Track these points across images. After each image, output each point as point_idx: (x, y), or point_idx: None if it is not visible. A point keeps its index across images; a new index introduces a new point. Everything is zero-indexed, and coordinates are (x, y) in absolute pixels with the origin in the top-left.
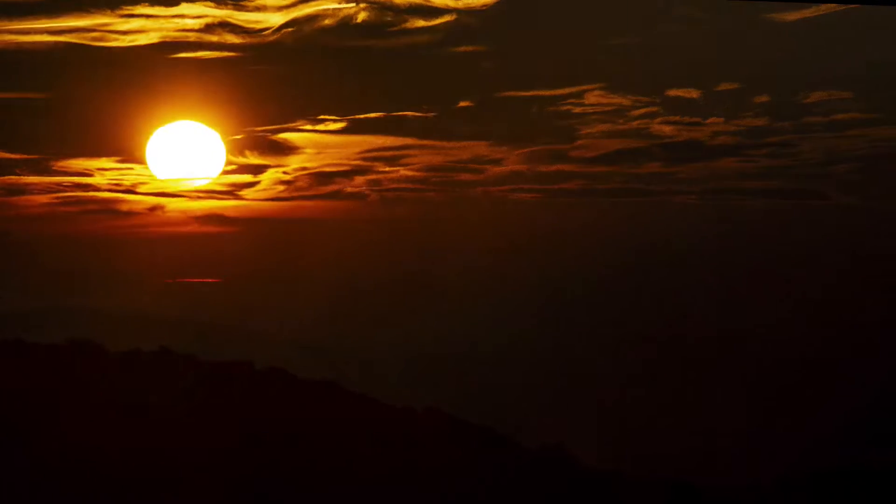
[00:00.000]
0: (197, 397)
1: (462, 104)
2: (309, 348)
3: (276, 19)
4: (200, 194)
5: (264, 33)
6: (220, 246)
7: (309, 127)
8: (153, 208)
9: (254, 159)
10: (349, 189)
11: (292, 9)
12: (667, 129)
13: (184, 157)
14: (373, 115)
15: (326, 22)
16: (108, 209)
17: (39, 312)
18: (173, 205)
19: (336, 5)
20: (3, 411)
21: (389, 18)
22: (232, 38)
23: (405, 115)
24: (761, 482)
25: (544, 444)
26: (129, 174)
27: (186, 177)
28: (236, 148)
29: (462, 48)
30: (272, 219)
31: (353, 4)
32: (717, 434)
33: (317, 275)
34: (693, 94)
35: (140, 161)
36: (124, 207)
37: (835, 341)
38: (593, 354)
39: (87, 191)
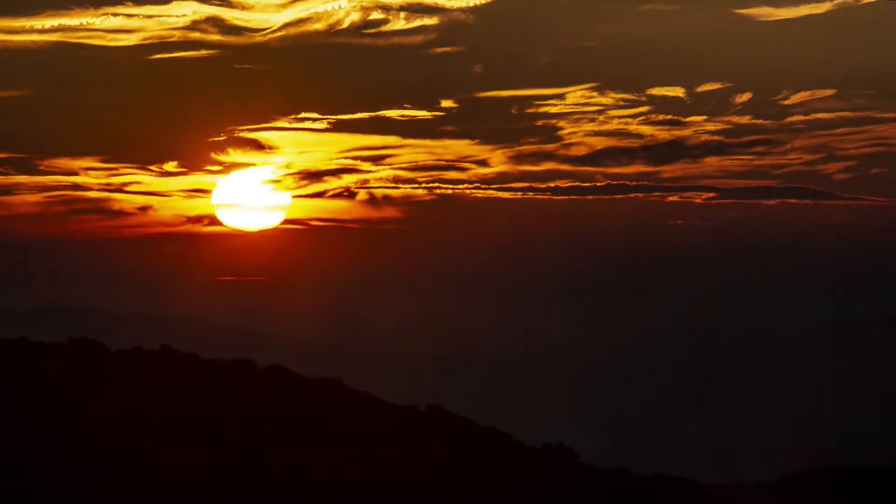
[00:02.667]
0: (198, 395)
1: (446, 104)
2: (311, 347)
3: (262, 19)
4: (188, 194)
5: (249, 33)
6: (219, 245)
7: (292, 125)
8: (143, 208)
9: (238, 158)
10: (337, 188)
11: (280, 9)
12: (651, 128)
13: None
14: (357, 114)
15: (313, 23)
16: (98, 208)
17: (41, 311)
18: (162, 204)
19: (323, 6)
20: (7, 408)
21: (375, 20)
22: (217, 37)
23: (389, 114)
24: (762, 480)
25: (546, 443)
26: (115, 173)
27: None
28: (219, 147)
29: (446, 49)
30: None
31: (341, 6)
32: (719, 431)
33: (315, 274)
34: (676, 92)
35: (123, 160)
36: (115, 207)
37: (830, 339)
38: (591, 352)
39: (77, 190)
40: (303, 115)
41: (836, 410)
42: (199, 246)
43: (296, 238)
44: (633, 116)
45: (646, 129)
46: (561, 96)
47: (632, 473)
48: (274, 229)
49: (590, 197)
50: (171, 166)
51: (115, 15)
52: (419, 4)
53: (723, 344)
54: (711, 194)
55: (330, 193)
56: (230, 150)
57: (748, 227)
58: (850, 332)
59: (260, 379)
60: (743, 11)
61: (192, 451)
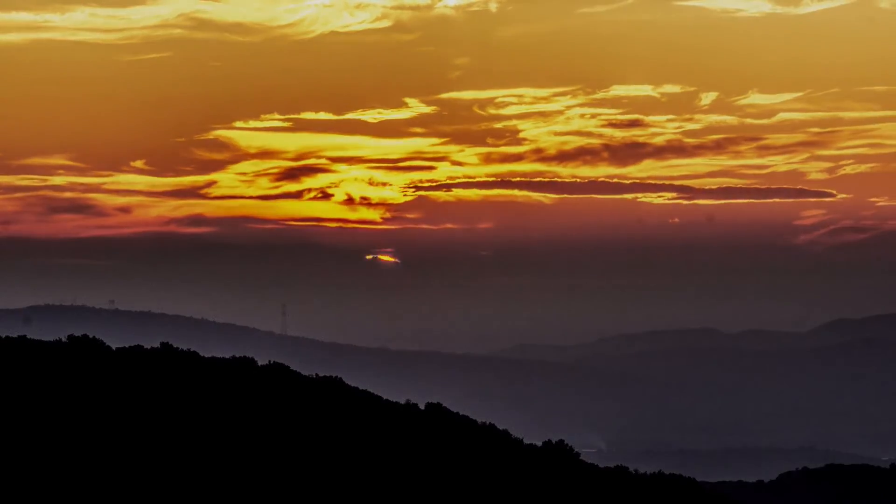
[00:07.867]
0: (198, 393)
1: (413, 103)
2: (311, 345)
3: (240, 14)
4: (165, 196)
5: (225, 31)
6: (219, 245)
7: (257, 125)
8: (123, 208)
9: (206, 155)
10: (312, 188)
11: (258, 10)
12: (615, 130)
13: None
14: (321, 113)
15: (290, 27)
16: (77, 206)
17: (41, 310)
18: (140, 203)
19: (299, 7)
20: (7, 406)
21: (348, 21)
22: (183, 34)
23: (357, 114)
24: (762, 479)
25: (546, 441)
26: (88, 173)
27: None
28: (186, 147)
29: (416, 49)
30: (249, 217)
31: (315, 7)
32: (719, 430)
33: (312, 272)
34: (640, 92)
35: (93, 158)
36: (95, 206)
37: (829, 339)
38: (590, 350)
39: (55, 190)
40: (266, 115)
41: (836, 410)
42: (198, 244)
43: (291, 238)
44: (597, 116)
45: (609, 131)
46: (529, 97)
47: (632, 472)
48: (265, 230)
49: (558, 196)
50: (139, 164)
51: (81, 13)
52: (389, 6)
53: (721, 343)
54: (675, 193)
55: (308, 196)
56: (196, 150)
57: (721, 226)
58: (849, 331)
59: (260, 377)
60: (689, 4)
61: (192, 450)
